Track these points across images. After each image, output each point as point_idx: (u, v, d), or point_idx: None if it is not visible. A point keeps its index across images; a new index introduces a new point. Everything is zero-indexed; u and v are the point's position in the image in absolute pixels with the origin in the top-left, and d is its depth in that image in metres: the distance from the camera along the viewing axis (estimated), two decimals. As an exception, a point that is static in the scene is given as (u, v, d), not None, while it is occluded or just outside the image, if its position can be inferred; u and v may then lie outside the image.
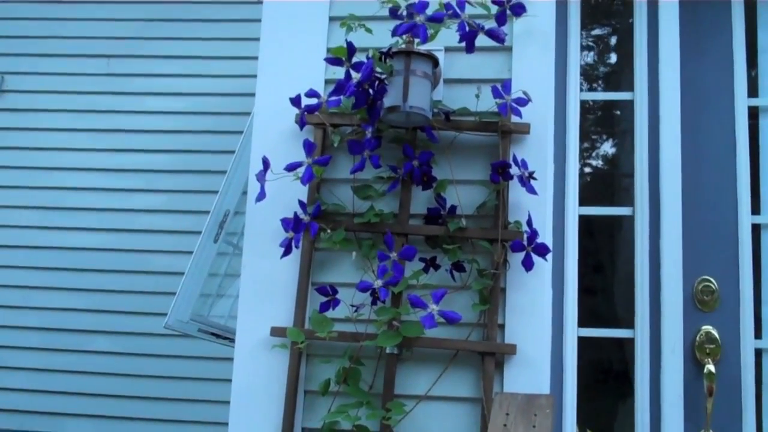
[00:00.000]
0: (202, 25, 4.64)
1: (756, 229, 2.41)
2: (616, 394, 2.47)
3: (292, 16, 2.53)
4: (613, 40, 2.73)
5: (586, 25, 2.61)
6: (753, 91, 2.50)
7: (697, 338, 2.32)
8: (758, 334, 2.34)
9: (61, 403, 4.31)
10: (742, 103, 2.45)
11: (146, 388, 4.25)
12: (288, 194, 2.35)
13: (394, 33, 2.19)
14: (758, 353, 2.33)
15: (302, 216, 2.26)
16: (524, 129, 2.33)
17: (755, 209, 2.42)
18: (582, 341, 2.38)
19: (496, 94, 2.25)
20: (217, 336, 3.17)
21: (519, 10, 2.27)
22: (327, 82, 2.45)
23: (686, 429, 2.29)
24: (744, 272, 2.35)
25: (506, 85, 2.27)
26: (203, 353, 4.09)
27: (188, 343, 3.94)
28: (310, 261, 2.33)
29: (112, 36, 4.69)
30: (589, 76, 2.67)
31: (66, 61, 4.70)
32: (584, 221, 2.46)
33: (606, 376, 2.53)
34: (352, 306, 2.22)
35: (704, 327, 2.33)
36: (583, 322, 2.39)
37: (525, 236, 2.21)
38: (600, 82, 2.71)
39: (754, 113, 2.48)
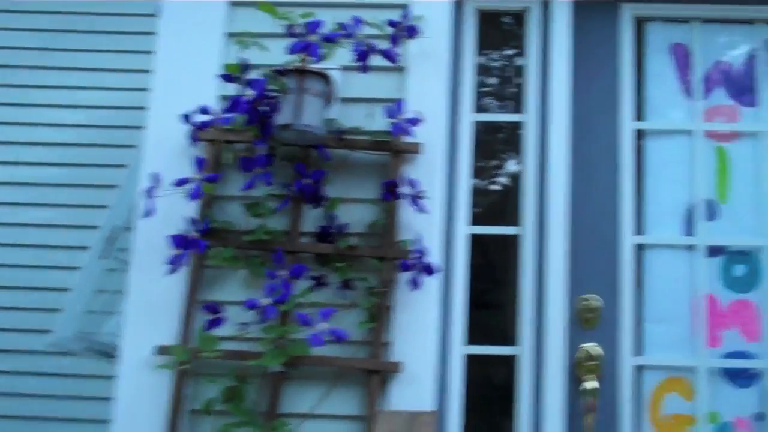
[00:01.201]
0: (99, 36, 4.53)
1: (639, 248, 2.49)
2: (502, 411, 2.50)
3: (188, 30, 2.50)
4: (508, 63, 2.79)
5: (481, 47, 2.66)
6: (640, 113, 2.58)
7: (579, 355, 2.38)
8: (639, 352, 2.42)
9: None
10: (628, 125, 2.53)
11: (31, 407, 4.09)
12: (179, 211, 2.32)
13: (291, 51, 2.20)
14: (638, 370, 2.41)
15: (190, 233, 2.23)
16: (415, 149, 2.36)
17: (639, 229, 2.50)
18: (470, 358, 2.41)
19: (388, 113, 2.28)
20: (107, 354, 3.09)
21: (412, 31, 2.31)
22: (222, 98, 2.44)
23: (568, 445, 2.35)
24: (625, 291, 2.42)
25: (399, 104, 2.30)
26: (91, 372, 3.96)
27: (75, 362, 3.84)
28: (198, 278, 2.30)
29: (7, 46, 4.55)
30: (483, 97, 2.72)
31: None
32: (475, 240, 2.49)
33: (493, 392, 2.56)
34: (241, 324, 2.19)
35: (586, 344, 2.39)
36: (472, 340, 2.42)
37: (414, 255, 2.23)
38: (494, 103, 2.76)
39: (640, 135, 2.57)
